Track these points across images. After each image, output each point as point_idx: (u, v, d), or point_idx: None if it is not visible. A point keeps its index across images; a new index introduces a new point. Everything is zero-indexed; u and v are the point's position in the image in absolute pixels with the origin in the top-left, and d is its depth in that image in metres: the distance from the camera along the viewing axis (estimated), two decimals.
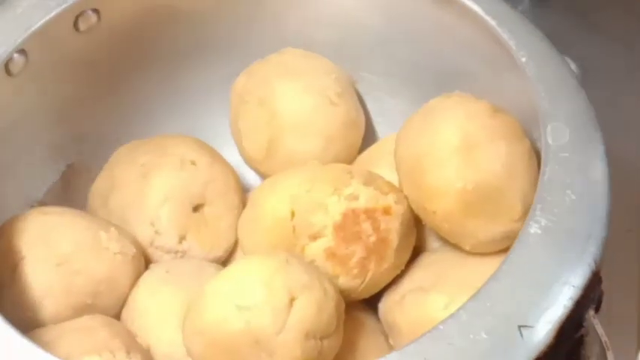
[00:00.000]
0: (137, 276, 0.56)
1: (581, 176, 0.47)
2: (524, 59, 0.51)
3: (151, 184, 0.59)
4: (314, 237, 0.52)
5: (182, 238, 0.59)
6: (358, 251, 0.52)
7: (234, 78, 0.65)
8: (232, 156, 0.64)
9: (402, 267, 0.55)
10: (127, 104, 0.65)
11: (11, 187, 0.59)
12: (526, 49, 0.52)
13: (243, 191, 0.63)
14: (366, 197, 0.52)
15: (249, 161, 0.64)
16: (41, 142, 0.61)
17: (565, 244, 0.44)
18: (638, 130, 0.50)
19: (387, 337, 0.56)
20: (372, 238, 0.52)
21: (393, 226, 0.53)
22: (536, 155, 0.52)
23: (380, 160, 0.61)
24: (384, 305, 0.56)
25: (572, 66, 0.53)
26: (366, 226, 0.52)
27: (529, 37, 0.53)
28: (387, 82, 0.65)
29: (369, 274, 0.53)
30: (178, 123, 0.67)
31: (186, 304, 0.52)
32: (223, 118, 0.66)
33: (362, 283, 0.53)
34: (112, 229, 0.55)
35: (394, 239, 0.53)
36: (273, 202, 0.53)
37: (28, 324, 0.51)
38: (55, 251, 0.53)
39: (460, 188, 0.50)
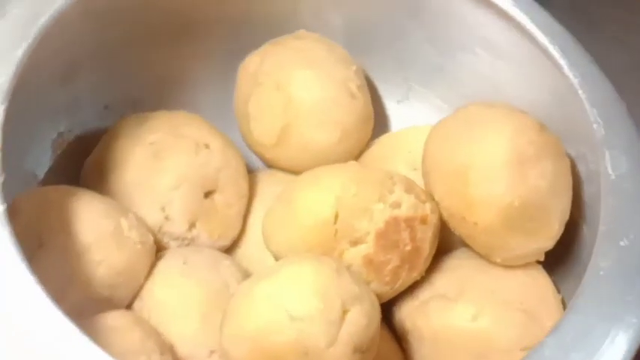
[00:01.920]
0: (152, 265, 0.53)
1: None
2: (576, 80, 0.51)
3: (164, 166, 0.56)
4: (355, 242, 0.51)
5: (192, 226, 0.57)
6: (394, 259, 0.51)
7: (239, 55, 0.62)
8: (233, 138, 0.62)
9: (423, 273, 0.54)
10: (128, 72, 0.62)
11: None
12: (577, 70, 0.51)
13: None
14: (407, 205, 0.51)
15: (254, 145, 0.62)
16: (38, 109, 0.57)
17: (635, 276, 0.45)
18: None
19: (398, 340, 0.56)
20: (408, 247, 0.52)
21: (427, 236, 0.52)
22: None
23: (395, 156, 0.60)
24: (401, 310, 0.55)
25: None
26: (405, 235, 0.51)
27: (580, 59, 0.52)
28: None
29: (400, 282, 0.53)
30: (178, 96, 0.64)
31: (207, 299, 0.51)
32: (224, 94, 0.63)
33: (391, 289, 0.53)
34: (131, 215, 0.53)
35: (426, 249, 0.53)
36: (317, 201, 0.51)
37: None
38: (77, 240, 0.49)
39: (507, 203, 0.50)
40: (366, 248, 0.51)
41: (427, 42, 0.62)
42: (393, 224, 0.51)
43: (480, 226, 0.51)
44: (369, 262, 0.51)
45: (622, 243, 0.46)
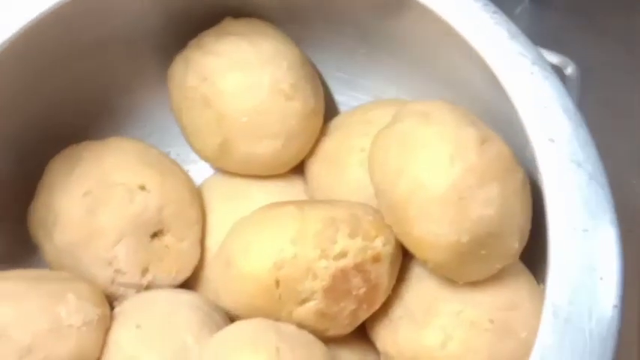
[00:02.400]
0: (105, 332, 0.51)
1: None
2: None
3: (101, 223, 0.53)
4: (302, 302, 0.48)
5: (145, 271, 0.54)
6: (349, 305, 0.49)
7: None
8: None
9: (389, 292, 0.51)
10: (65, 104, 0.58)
11: None
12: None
13: (200, 197, 0.57)
14: (354, 252, 0.48)
15: (200, 156, 0.58)
16: None
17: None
18: (638, 130, 0.47)
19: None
20: (363, 290, 0.48)
21: (383, 271, 0.49)
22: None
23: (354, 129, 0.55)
24: (374, 329, 0.53)
25: (572, 66, 0.50)
26: (357, 281, 0.48)
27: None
28: None
29: (360, 319, 0.50)
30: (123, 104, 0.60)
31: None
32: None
33: (352, 327, 0.50)
34: (70, 296, 0.50)
35: (384, 282, 0.49)
36: (255, 267, 0.48)
37: None
38: (15, 346, 0.48)
39: (454, 241, 0.46)
40: (315, 305, 0.48)
41: None
42: (340, 276, 0.48)
43: (431, 264, 0.48)
44: (321, 315, 0.48)
45: None
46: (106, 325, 0.51)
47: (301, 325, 0.48)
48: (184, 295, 0.54)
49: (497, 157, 0.46)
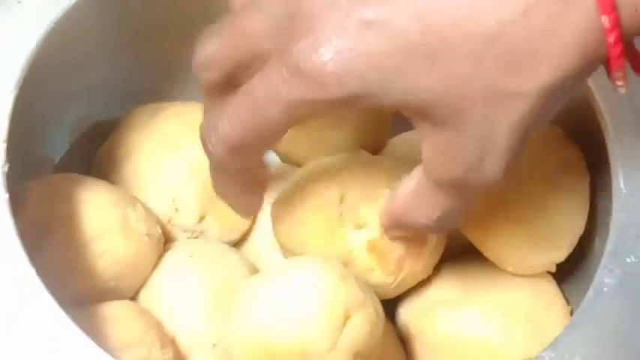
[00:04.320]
0: (159, 256, 0.53)
1: None
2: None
3: (176, 157, 0.56)
4: (359, 226, 0.50)
5: (202, 218, 0.56)
6: (398, 248, 0.50)
7: None
8: None
9: (430, 272, 0.53)
10: (144, 63, 0.61)
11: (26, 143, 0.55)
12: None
13: None
14: None
15: None
16: (54, 96, 0.56)
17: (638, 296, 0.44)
18: None
19: (402, 342, 0.55)
20: (412, 240, 0.50)
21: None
22: None
23: None
24: (407, 311, 0.55)
25: None
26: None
27: None
28: None
29: (403, 274, 0.51)
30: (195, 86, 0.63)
31: (212, 293, 0.51)
32: None
33: (395, 280, 0.52)
34: (139, 206, 0.52)
35: (432, 241, 0.52)
36: (323, 182, 0.51)
37: None
38: (82, 230, 0.49)
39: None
40: (370, 232, 0.50)
41: None
42: None
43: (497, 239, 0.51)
44: (372, 247, 0.50)
45: (628, 260, 0.45)
46: (161, 248, 0.53)
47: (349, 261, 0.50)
48: (234, 251, 0.56)
49: (575, 155, 0.51)
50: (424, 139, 0.41)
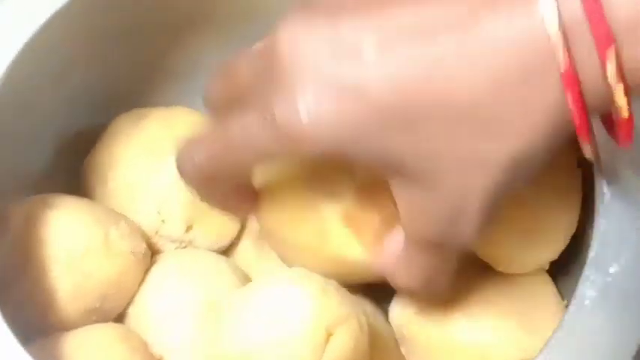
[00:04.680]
0: (145, 271, 0.53)
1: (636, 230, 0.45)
2: None
3: (159, 164, 0.55)
4: (333, 195, 0.49)
5: (189, 228, 0.56)
6: (375, 219, 0.49)
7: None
8: None
9: None
10: (129, 69, 0.60)
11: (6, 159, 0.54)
12: None
13: None
14: None
15: None
16: (38, 105, 0.56)
17: (621, 308, 0.44)
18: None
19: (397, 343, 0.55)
20: (388, 210, 0.48)
21: None
22: None
23: None
24: (397, 315, 0.54)
25: None
26: (386, 196, 0.47)
27: None
28: None
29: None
30: (178, 90, 0.63)
31: (201, 307, 0.51)
32: None
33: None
34: (122, 222, 0.52)
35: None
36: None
37: (33, 326, 0.48)
38: (64, 252, 0.49)
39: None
40: (344, 202, 0.49)
41: None
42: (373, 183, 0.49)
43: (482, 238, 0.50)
44: (348, 218, 0.49)
45: (611, 269, 0.44)
46: (147, 263, 0.53)
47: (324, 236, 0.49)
48: (223, 259, 0.56)
49: (567, 155, 0.50)
50: (400, 199, 0.42)
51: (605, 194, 0.46)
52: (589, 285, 0.44)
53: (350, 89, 0.38)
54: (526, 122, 0.37)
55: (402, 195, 0.41)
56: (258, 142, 0.41)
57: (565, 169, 0.51)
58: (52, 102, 0.57)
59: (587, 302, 0.44)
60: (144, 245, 0.53)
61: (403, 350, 0.54)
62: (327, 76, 0.38)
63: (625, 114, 0.38)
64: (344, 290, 0.48)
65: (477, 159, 0.38)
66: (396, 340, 0.55)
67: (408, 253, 0.45)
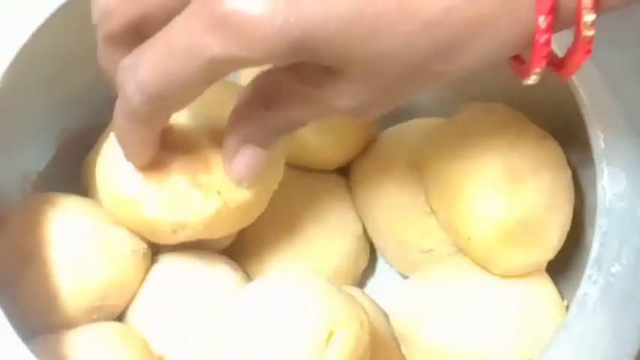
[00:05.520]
0: (147, 271, 0.53)
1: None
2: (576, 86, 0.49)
3: None
4: None
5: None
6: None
7: None
8: None
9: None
10: None
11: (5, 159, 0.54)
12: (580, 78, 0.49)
13: None
14: None
15: None
16: (37, 105, 0.56)
17: (622, 308, 0.43)
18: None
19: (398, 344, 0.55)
20: None
21: None
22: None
23: (397, 156, 0.58)
24: (396, 319, 0.55)
25: None
26: None
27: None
28: None
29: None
30: None
31: (201, 307, 0.51)
32: None
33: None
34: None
35: None
36: None
37: (35, 326, 0.48)
38: (65, 253, 0.49)
39: (502, 219, 0.49)
40: None
41: None
42: None
43: (473, 241, 0.50)
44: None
45: (613, 269, 0.44)
46: (148, 262, 0.53)
47: None
48: (224, 259, 0.56)
49: (552, 152, 0.50)
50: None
51: (606, 194, 0.46)
52: (591, 285, 0.44)
53: None
54: (490, 42, 0.37)
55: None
56: (207, 50, 0.35)
57: (555, 168, 0.51)
58: (51, 102, 0.57)
59: (588, 302, 0.44)
60: (144, 244, 0.52)
61: (403, 350, 0.54)
62: None
63: (590, 32, 0.37)
64: (345, 290, 0.48)
65: (424, 73, 0.38)
66: (396, 340, 0.55)
67: None
